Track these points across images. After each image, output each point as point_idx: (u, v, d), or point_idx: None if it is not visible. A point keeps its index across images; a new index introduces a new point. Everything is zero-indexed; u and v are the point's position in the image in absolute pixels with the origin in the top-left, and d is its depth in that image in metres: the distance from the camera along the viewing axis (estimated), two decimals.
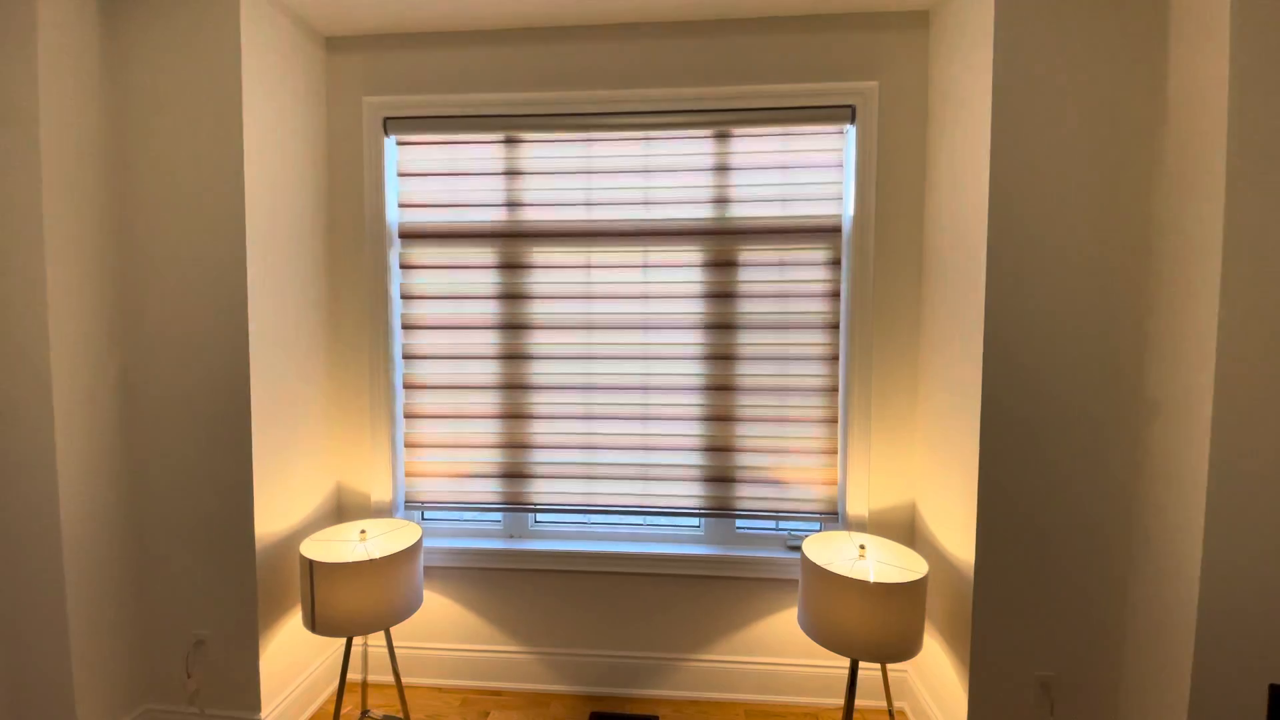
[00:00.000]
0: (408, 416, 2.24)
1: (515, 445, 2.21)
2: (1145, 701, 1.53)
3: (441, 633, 2.25)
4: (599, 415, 2.17)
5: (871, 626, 1.57)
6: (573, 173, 2.13)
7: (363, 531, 1.90)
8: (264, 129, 1.84)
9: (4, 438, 1.63)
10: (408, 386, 2.24)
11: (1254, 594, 1.37)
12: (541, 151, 2.14)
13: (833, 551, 1.76)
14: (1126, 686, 1.60)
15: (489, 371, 2.20)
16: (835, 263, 2.07)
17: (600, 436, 2.18)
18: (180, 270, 1.80)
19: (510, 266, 2.17)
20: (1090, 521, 1.61)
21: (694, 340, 2.13)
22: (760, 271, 2.09)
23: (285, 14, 1.94)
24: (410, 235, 2.19)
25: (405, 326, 2.22)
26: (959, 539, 1.74)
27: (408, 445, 2.25)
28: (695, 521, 2.25)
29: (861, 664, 2.12)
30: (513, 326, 2.18)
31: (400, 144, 2.18)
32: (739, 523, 2.21)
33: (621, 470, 2.17)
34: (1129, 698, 1.59)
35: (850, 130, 2.03)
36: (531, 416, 2.20)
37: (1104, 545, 1.61)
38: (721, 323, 2.12)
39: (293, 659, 2.01)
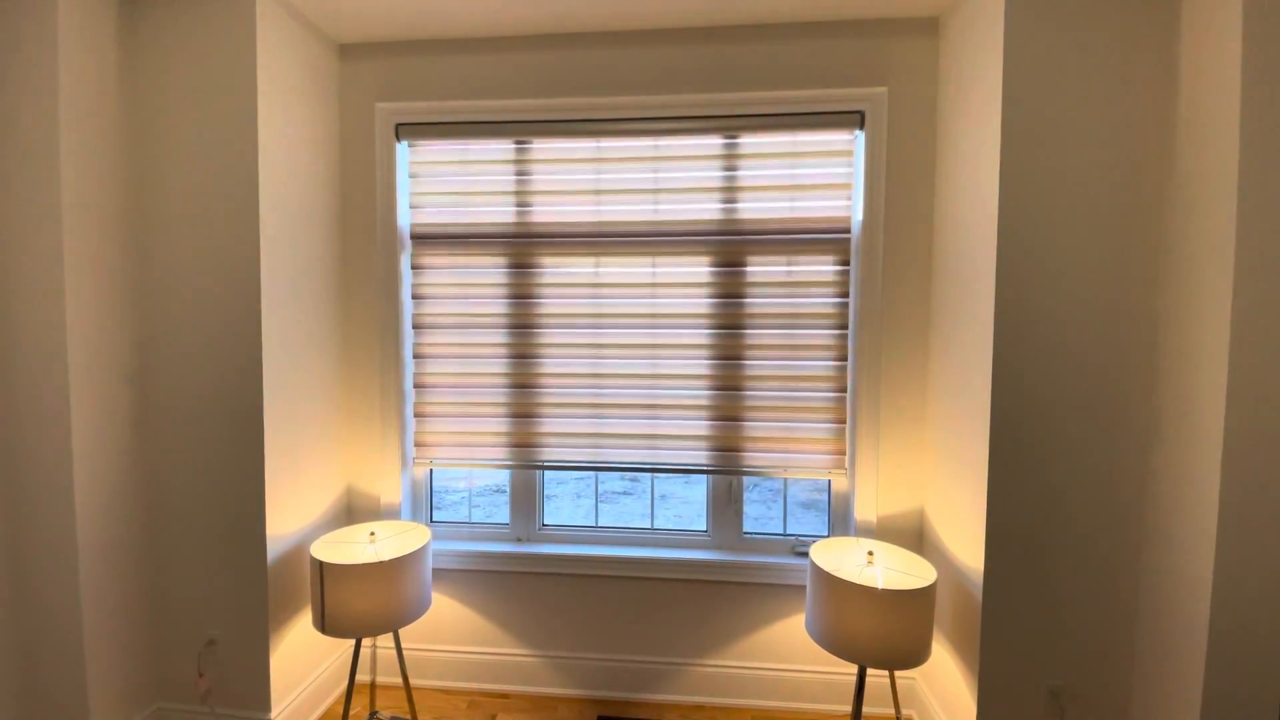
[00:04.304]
0: (418, 416, 2.26)
1: (525, 445, 2.22)
2: (1156, 712, 1.52)
3: (449, 635, 2.27)
4: (607, 432, 2.18)
5: (879, 633, 1.57)
6: (581, 181, 2.14)
7: (372, 533, 1.91)
8: (278, 135, 1.87)
9: (22, 441, 1.66)
10: (418, 386, 2.25)
11: (1266, 603, 1.35)
12: (552, 156, 2.15)
13: (840, 557, 1.76)
14: (1137, 697, 1.58)
15: (498, 371, 2.22)
16: (844, 269, 2.07)
17: (609, 439, 2.19)
18: (194, 274, 1.82)
19: (519, 269, 2.18)
20: (1101, 529, 1.60)
21: (704, 341, 2.13)
22: (769, 278, 2.09)
23: (300, 22, 1.97)
24: (421, 240, 2.21)
25: (416, 326, 2.24)
26: (968, 546, 1.74)
27: (417, 444, 2.27)
28: (702, 526, 2.25)
29: (869, 671, 2.11)
30: (522, 326, 2.20)
31: (412, 149, 2.21)
32: (746, 528, 2.21)
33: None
34: (1140, 708, 1.57)
35: (859, 136, 2.04)
36: (540, 417, 2.21)
37: (1114, 553, 1.60)
38: (730, 324, 2.12)
39: (302, 660, 2.02)
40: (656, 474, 2.17)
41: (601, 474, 2.19)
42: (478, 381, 2.23)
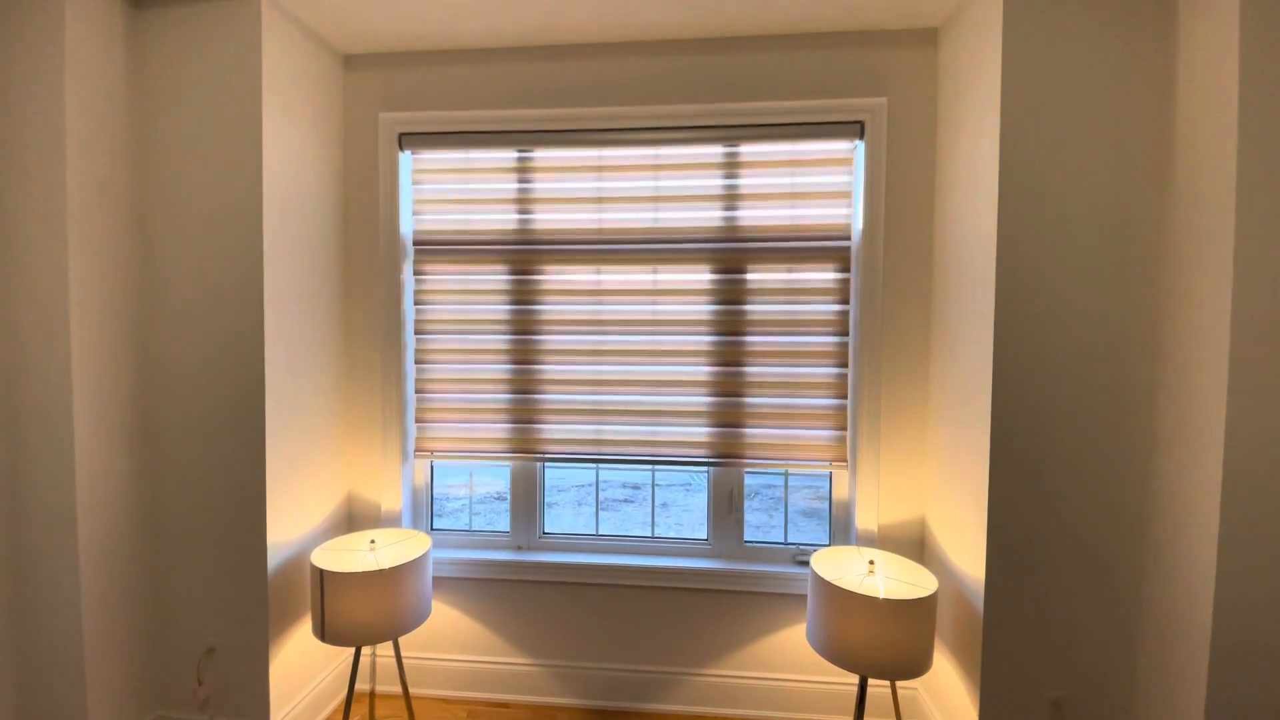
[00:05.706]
0: (419, 422, 2.27)
1: (526, 445, 2.22)
2: None
3: (449, 644, 2.26)
4: (609, 439, 2.19)
5: (880, 643, 1.56)
6: (583, 190, 2.16)
7: (372, 541, 1.91)
8: (282, 144, 1.88)
9: (25, 448, 1.66)
10: (420, 392, 2.26)
11: (1270, 612, 1.35)
12: (553, 165, 2.17)
13: (841, 567, 1.75)
14: (1140, 707, 1.57)
15: (500, 374, 2.22)
16: (845, 279, 2.08)
17: (611, 445, 2.19)
18: (198, 281, 1.83)
19: (521, 275, 2.19)
20: (1102, 538, 1.60)
21: (705, 343, 2.14)
22: (770, 283, 2.11)
23: (304, 33, 1.99)
24: (423, 248, 2.23)
25: (418, 333, 2.25)
26: (969, 555, 1.73)
27: (418, 447, 2.27)
28: (703, 535, 2.25)
29: (871, 681, 2.10)
30: (523, 330, 2.21)
31: (415, 158, 2.22)
32: (747, 536, 2.21)
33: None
34: (1143, 718, 1.56)
35: (859, 146, 2.05)
36: (541, 415, 2.21)
37: (1116, 563, 1.59)
38: (731, 328, 2.13)
39: (302, 668, 2.02)
40: (657, 467, 2.16)
41: (603, 482, 2.18)
42: (479, 386, 2.23)
